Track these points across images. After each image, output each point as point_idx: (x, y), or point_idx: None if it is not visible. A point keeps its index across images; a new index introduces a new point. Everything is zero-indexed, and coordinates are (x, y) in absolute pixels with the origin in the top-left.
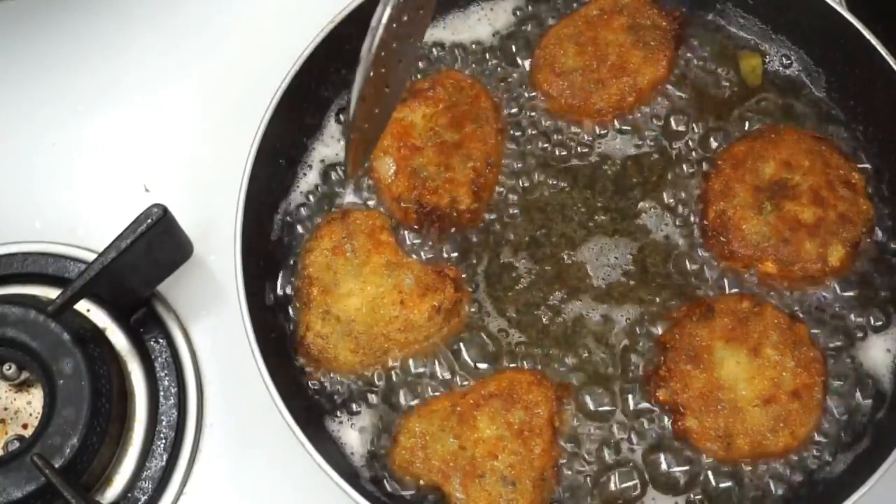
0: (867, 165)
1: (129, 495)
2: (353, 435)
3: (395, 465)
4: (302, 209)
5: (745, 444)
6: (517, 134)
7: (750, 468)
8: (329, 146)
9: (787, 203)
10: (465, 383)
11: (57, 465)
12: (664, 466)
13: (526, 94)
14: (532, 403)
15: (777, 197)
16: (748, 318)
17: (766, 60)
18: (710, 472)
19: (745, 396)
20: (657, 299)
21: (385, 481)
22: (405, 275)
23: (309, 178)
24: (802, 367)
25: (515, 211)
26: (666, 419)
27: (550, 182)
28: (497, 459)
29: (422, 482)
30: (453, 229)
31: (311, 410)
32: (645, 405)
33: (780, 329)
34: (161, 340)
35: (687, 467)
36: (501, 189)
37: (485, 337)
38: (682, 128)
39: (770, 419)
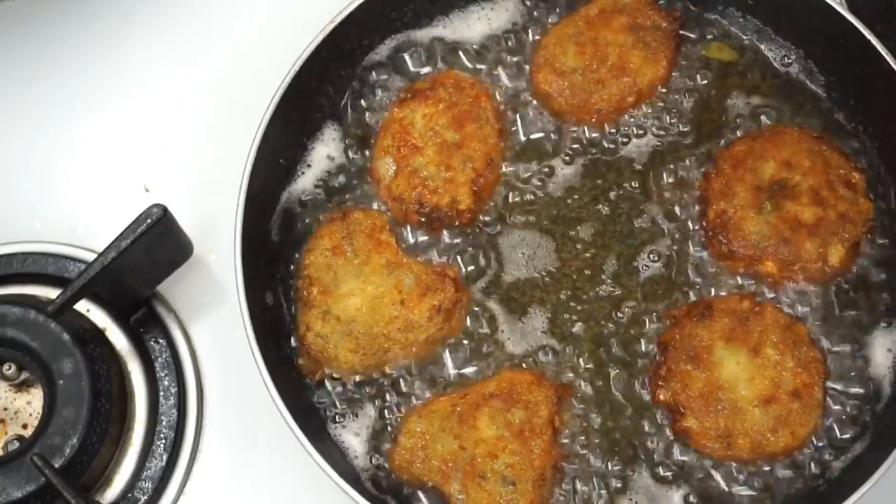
0: (867, 165)
1: (129, 495)
2: (352, 435)
3: (394, 465)
4: (302, 209)
5: (745, 444)
6: (517, 134)
7: (750, 468)
8: (329, 146)
9: (788, 203)
10: (466, 383)
11: (57, 465)
12: (664, 465)
13: (526, 94)
14: (532, 403)
15: (777, 197)
16: (748, 318)
17: (771, 58)
18: (709, 473)
19: (745, 396)
20: (657, 299)
21: (385, 482)
22: (405, 275)
23: (309, 178)
24: (802, 367)
25: (516, 210)
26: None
27: (550, 182)
28: (497, 460)
29: (422, 482)
30: (454, 229)
31: (310, 410)
32: (646, 404)
33: (781, 329)
34: (161, 340)
35: (686, 466)
36: (501, 189)
37: (485, 337)
38: (681, 128)
39: (770, 419)
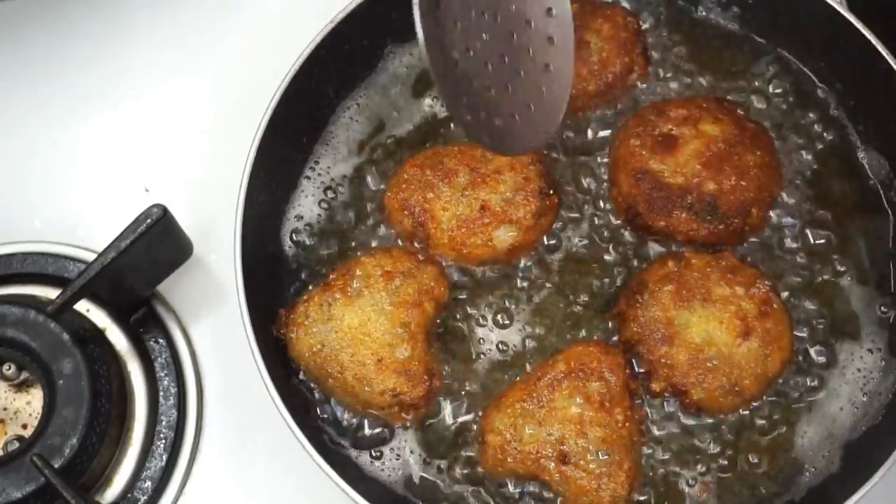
0: (868, 166)
1: (129, 495)
2: (353, 434)
3: (488, 465)
4: (301, 209)
5: (751, 383)
6: None
7: (751, 471)
8: (329, 145)
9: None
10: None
11: (57, 466)
12: (668, 466)
13: None
14: (604, 372)
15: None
16: (681, 275)
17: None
18: (712, 472)
19: (725, 341)
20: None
21: (386, 481)
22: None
23: (308, 178)
24: (751, 286)
25: None
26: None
27: None
28: (585, 436)
29: (518, 475)
30: None
31: (310, 410)
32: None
33: (712, 267)
34: (161, 340)
35: (687, 478)
36: None
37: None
38: None
39: (756, 347)
